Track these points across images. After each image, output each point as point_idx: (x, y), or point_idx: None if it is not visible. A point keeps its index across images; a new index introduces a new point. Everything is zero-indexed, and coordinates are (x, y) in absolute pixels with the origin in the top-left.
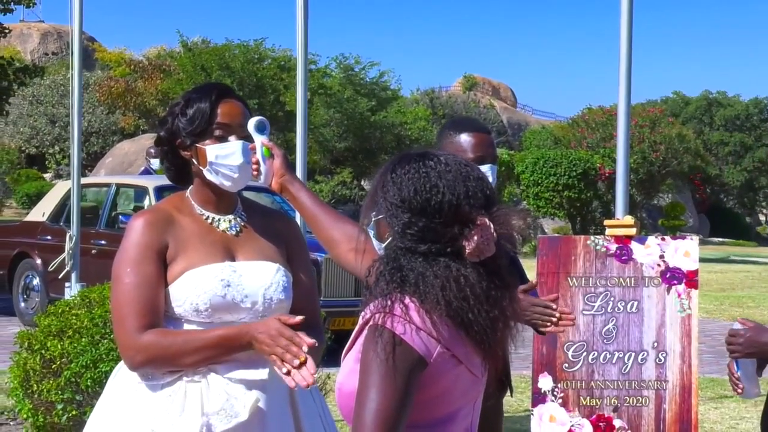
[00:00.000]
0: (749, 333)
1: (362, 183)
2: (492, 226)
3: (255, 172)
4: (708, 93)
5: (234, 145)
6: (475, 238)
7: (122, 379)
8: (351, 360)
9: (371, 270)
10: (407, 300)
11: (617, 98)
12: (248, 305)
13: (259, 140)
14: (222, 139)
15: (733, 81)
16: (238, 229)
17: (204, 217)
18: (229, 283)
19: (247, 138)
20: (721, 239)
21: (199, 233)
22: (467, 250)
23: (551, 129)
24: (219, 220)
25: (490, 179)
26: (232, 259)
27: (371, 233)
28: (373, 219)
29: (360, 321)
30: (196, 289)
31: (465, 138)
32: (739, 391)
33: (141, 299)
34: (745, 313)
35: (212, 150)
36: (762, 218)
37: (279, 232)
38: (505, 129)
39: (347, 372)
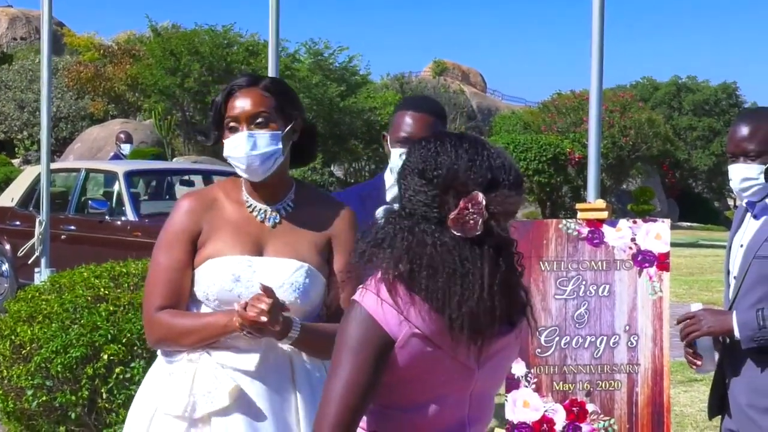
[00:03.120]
0: (708, 313)
1: (332, 168)
2: (484, 203)
3: None
4: (677, 78)
5: (237, 138)
6: (460, 207)
7: (158, 356)
8: None
9: (366, 233)
10: (385, 276)
11: (589, 83)
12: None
13: None
14: (234, 130)
15: (703, 66)
16: (276, 220)
17: (247, 205)
18: (239, 278)
19: (260, 126)
20: (689, 224)
21: (235, 221)
22: (450, 218)
23: (521, 114)
24: (259, 209)
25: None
26: (260, 252)
27: None
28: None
29: None
30: (210, 278)
31: (401, 116)
32: (699, 363)
33: (166, 281)
34: (714, 297)
35: (225, 144)
36: (730, 203)
37: (326, 224)
38: (474, 114)
39: None
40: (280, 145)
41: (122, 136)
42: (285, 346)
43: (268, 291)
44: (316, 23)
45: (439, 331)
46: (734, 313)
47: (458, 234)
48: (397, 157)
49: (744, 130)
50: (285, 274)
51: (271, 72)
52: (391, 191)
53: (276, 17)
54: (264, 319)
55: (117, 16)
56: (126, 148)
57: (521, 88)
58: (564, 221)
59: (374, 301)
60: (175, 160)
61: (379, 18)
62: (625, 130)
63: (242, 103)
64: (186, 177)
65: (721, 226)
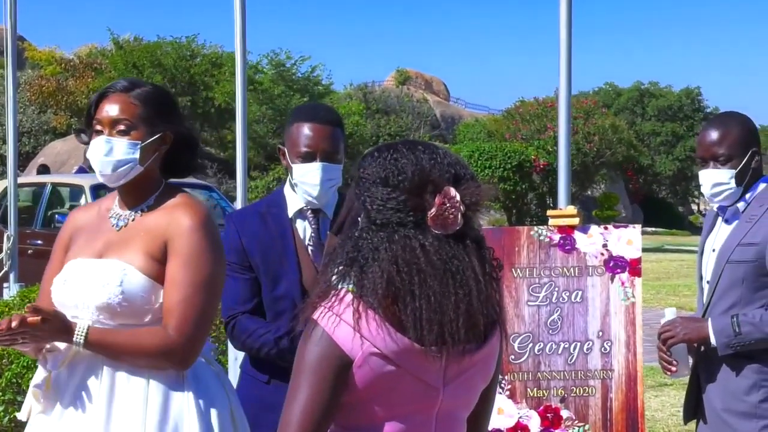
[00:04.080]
0: (684, 321)
1: None
2: (458, 196)
3: None
4: (640, 84)
5: (97, 141)
6: (437, 203)
7: None
8: None
9: (336, 249)
10: (345, 294)
11: (551, 90)
12: (74, 303)
13: None
14: (99, 133)
15: (665, 72)
16: (123, 224)
17: (110, 210)
18: (66, 280)
19: (121, 133)
20: (654, 229)
21: (93, 226)
22: (430, 217)
23: (484, 122)
24: (115, 214)
25: (317, 180)
26: (101, 255)
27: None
28: (359, 220)
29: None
30: (54, 282)
31: (297, 128)
32: (673, 369)
33: (43, 291)
34: (682, 302)
35: (90, 145)
36: (694, 207)
37: (165, 229)
38: (438, 123)
39: None
40: (137, 155)
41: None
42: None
43: (30, 308)
44: (277, 34)
45: (399, 349)
46: (709, 320)
47: (440, 232)
48: (301, 173)
49: (713, 135)
50: (103, 276)
51: (238, 84)
52: (293, 206)
53: (242, 30)
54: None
55: (78, 29)
56: None
57: (484, 96)
58: (536, 228)
59: (331, 320)
60: None
61: (341, 28)
62: (589, 136)
63: (108, 108)
64: None
65: (685, 230)
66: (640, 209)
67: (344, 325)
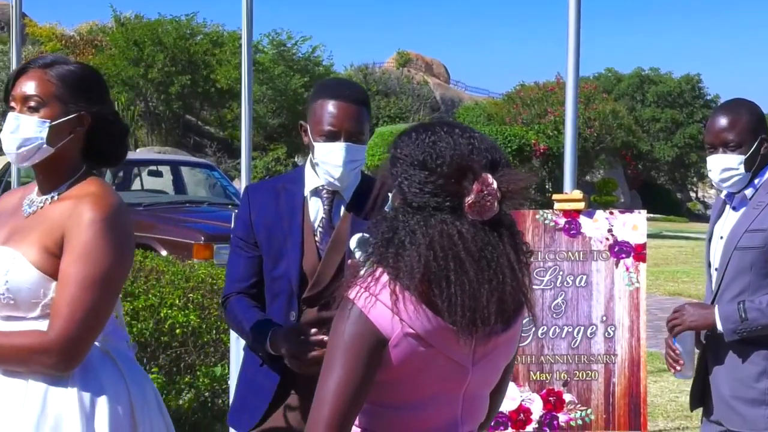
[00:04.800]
0: (691, 307)
1: (296, 159)
2: (495, 184)
3: None
4: (640, 70)
5: (9, 117)
6: (475, 191)
7: None
8: None
9: (370, 228)
10: (381, 275)
11: (559, 74)
12: None
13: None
14: (12, 109)
15: (666, 58)
16: (31, 210)
17: (27, 197)
18: None
19: (31, 110)
20: (652, 215)
21: (8, 211)
22: (467, 203)
23: (484, 105)
24: (28, 200)
25: (340, 161)
26: (5, 242)
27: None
28: (389, 196)
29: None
30: None
31: (322, 105)
32: (678, 368)
33: None
34: (680, 288)
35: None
36: (693, 194)
37: (65, 220)
38: (438, 105)
39: None
40: (44, 134)
41: None
42: None
43: None
44: (278, 14)
45: (434, 329)
46: (716, 307)
47: (476, 219)
48: (324, 152)
49: (723, 121)
50: None
51: (244, 65)
52: (310, 184)
53: (249, 11)
54: None
55: (79, 6)
56: None
57: (484, 79)
58: (541, 212)
59: (368, 300)
60: (138, 150)
61: (343, 9)
62: (590, 121)
63: (22, 83)
64: (154, 167)
65: (683, 217)
66: (638, 195)
67: (381, 305)
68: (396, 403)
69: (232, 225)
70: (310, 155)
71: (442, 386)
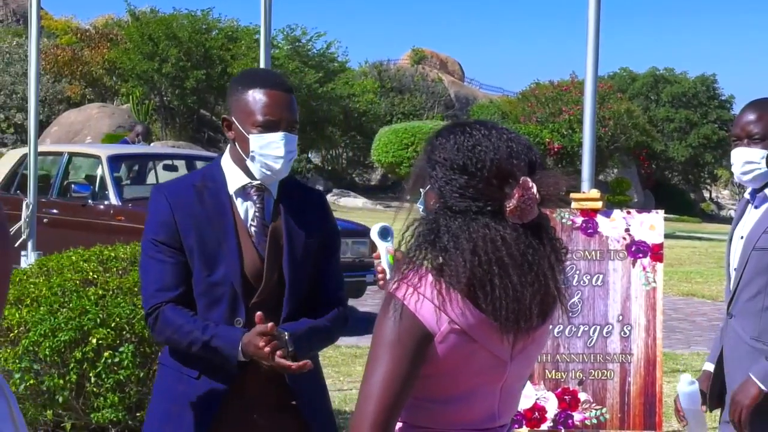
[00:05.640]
0: (735, 394)
1: (309, 155)
2: (535, 187)
3: (381, 282)
4: (655, 69)
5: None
6: (516, 196)
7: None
8: None
9: (410, 228)
10: (426, 271)
11: (566, 74)
12: None
13: (384, 247)
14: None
15: (681, 58)
16: None
17: None
18: None
19: None
20: (665, 215)
21: None
22: (508, 208)
23: (499, 103)
24: None
25: (281, 151)
26: None
27: (420, 208)
28: (422, 192)
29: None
30: None
31: (253, 95)
32: (683, 422)
33: None
34: (694, 288)
35: None
36: (706, 195)
37: None
38: (453, 103)
39: None
40: None
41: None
42: None
43: None
44: (293, 9)
45: (477, 325)
46: (750, 375)
47: (516, 222)
48: (262, 144)
49: (751, 115)
50: None
51: (262, 61)
52: (234, 182)
53: (268, 8)
54: None
55: None
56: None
57: (499, 77)
58: (558, 210)
59: (414, 298)
60: (152, 144)
61: (358, 5)
62: (604, 120)
63: None
64: (169, 162)
65: (695, 217)
66: (651, 195)
67: (428, 303)
68: (438, 396)
69: (145, 228)
70: (228, 150)
71: (482, 379)
